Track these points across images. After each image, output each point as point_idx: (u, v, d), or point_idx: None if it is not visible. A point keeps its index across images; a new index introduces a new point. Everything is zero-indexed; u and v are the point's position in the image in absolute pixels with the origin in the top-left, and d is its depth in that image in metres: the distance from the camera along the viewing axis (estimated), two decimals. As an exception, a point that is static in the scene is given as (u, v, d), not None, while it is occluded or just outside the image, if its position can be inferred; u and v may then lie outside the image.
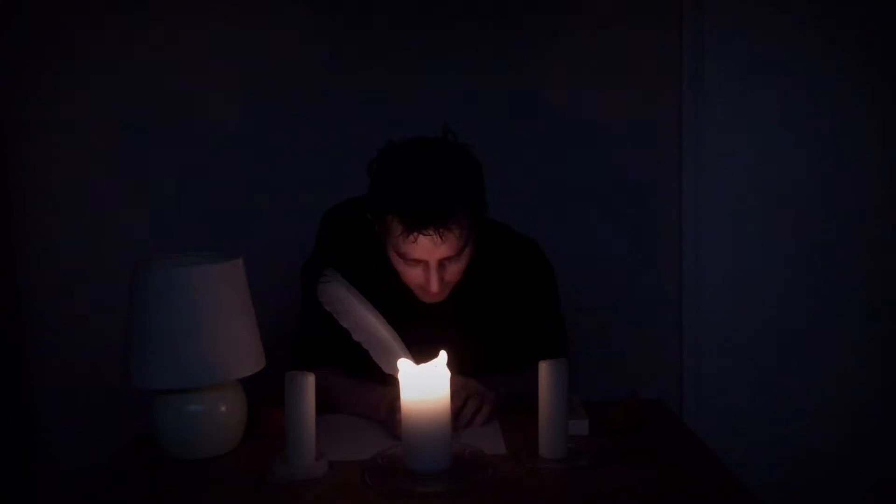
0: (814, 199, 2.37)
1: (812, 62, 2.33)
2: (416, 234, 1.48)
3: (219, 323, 1.46)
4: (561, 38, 2.27)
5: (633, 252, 2.36)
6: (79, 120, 2.24)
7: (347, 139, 2.21)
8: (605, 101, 2.30)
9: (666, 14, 2.28)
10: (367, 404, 1.62)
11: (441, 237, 1.48)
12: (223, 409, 1.48)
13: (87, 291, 2.28)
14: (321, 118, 2.25)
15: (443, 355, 1.38)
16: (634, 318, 2.38)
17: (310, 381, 1.36)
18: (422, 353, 1.41)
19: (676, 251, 2.36)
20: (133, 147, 2.25)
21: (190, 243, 2.15)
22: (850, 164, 2.37)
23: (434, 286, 1.55)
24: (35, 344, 2.28)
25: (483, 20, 2.25)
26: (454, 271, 1.58)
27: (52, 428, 2.30)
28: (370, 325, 1.54)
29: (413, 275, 1.58)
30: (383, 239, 1.58)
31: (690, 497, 1.32)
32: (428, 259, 1.54)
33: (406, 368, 1.37)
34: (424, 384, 1.35)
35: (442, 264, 1.55)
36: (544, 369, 1.39)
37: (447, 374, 1.36)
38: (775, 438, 2.41)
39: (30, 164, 2.24)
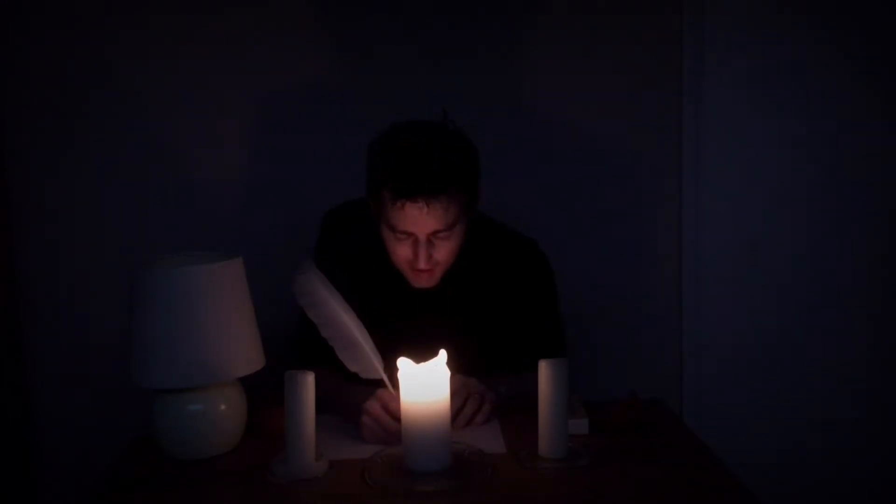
0: (814, 201, 2.37)
1: (813, 63, 2.32)
2: (404, 201, 1.49)
3: (219, 323, 1.46)
4: (561, 39, 2.27)
5: (632, 252, 2.36)
6: (78, 120, 2.23)
7: (347, 140, 2.20)
8: (605, 101, 2.30)
9: (666, 14, 2.28)
10: (338, 405, 1.60)
11: (429, 207, 1.49)
12: (223, 408, 1.48)
13: (87, 291, 2.27)
14: (320, 119, 2.25)
15: (443, 354, 1.38)
16: (634, 318, 2.38)
17: (310, 380, 1.37)
18: (421, 353, 1.40)
19: (676, 251, 2.36)
20: (133, 146, 2.25)
21: (190, 243, 2.15)
22: (851, 166, 2.37)
23: (422, 262, 1.55)
24: (35, 344, 2.28)
25: (482, 22, 2.25)
26: (444, 251, 1.57)
27: (52, 428, 2.30)
28: (340, 321, 1.51)
29: (402, 251, 1.58)
30: (377, 217, 1.59)
31: (690, 497, 1.32)
32: (416, 231, 1.54)
33: (406, 368, 1.37)
34: (424, 384, 1.35)
35: (431, 241, 1.55)
36: (544, 369, 1.39)
37: (447, 373, 1.37)
38: (775, 438, 2.41)
39: (30, 163, 2.24)
